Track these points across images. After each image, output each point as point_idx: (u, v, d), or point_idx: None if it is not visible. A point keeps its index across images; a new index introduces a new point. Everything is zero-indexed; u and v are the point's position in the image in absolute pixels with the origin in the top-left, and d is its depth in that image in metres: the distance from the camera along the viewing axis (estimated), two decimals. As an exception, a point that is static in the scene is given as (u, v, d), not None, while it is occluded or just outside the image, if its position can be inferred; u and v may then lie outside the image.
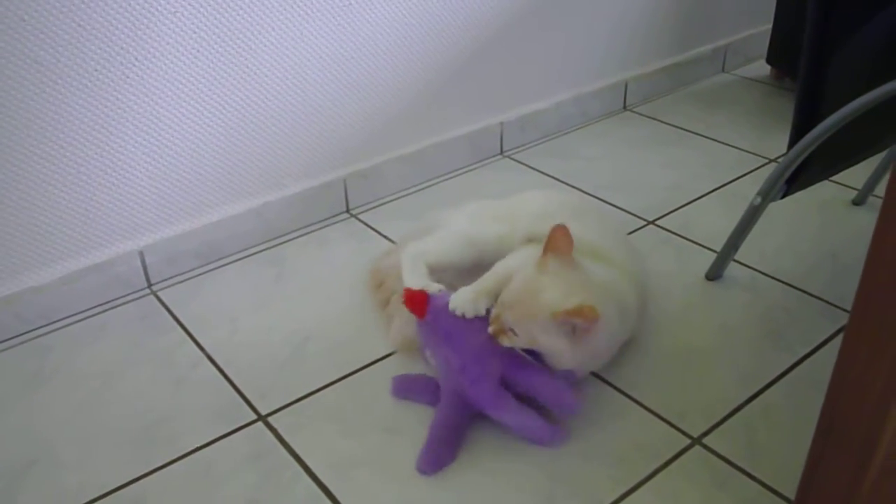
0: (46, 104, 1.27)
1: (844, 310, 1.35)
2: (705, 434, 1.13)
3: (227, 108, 1.47)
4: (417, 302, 1.15)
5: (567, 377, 1.10)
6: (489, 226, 1.30)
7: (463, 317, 1.12)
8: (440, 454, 1.09)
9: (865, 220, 1.61)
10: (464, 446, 1.11)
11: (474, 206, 1.41)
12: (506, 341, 1.08)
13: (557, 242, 1.07)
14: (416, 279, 1.22)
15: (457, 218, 1.39)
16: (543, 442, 1.10)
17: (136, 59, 1.33)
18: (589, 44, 2.00)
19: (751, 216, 1.35)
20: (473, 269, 1.24)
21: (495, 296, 1.12)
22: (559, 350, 1.06)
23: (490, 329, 1.09)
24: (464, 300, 1.13)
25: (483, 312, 1.12)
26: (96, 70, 1.30)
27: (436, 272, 1.25)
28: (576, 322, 1.01)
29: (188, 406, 1.21)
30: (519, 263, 1.16)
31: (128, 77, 1.33)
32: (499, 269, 1.18)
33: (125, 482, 1.08)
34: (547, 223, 1.23)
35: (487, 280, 1.16)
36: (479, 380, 1.09)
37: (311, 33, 1.51)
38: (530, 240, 1.24)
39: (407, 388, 1.20)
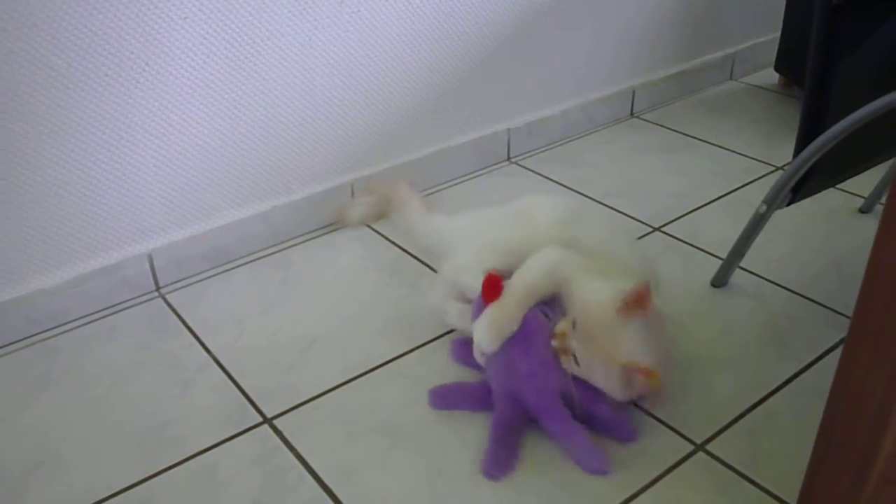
0: (57, 108, 1.29)
1: (849, 318, 1.35)
2: (708, 440, 1.13)
3: (236, 113, 1.48)
4: (496, 290, 1.13)
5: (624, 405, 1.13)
6: (514, 231, 1.31)
7: (522, 332, 1.12)
8: (503, 456, 1.08)
9: (872, 229, 1.60)
10: (468, 450, 1.12)
11: (479, 215, 1.41)
12: (564, 361, 1.10)
13: (643, 299, 1.07)
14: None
15: (463, 225, 1.40)
16: (588, 467, 1.08)
17: (147, 63, 1.34)
18: (597, 51, 2.01)
19: (756, 223, 1.35)
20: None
21: (525, 312, 1.13)
22: (609, 389, 1.09)
23: (553, 343, 1.11)
24: (485, 338, 1.11)
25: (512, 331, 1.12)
26: (107, 75, 1.31)
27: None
28: (640, 380, 1.05)
29: (194, 408, 1.22)
30: (540, 271, 1.17)
31: (138, 82, 1.35)
32: (525, 282, 1.16)
33: (131, 483, 1.09)
34: (564, 228, 1.27)
35: (505, 307, 1.13)
36: (544, 390, 1.09)
37: (320, 40, 1.52)
38: (548, 244, 1.24)
39: (447, 400, 1.18)
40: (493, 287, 1.14)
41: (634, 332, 1.07)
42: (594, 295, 1.11)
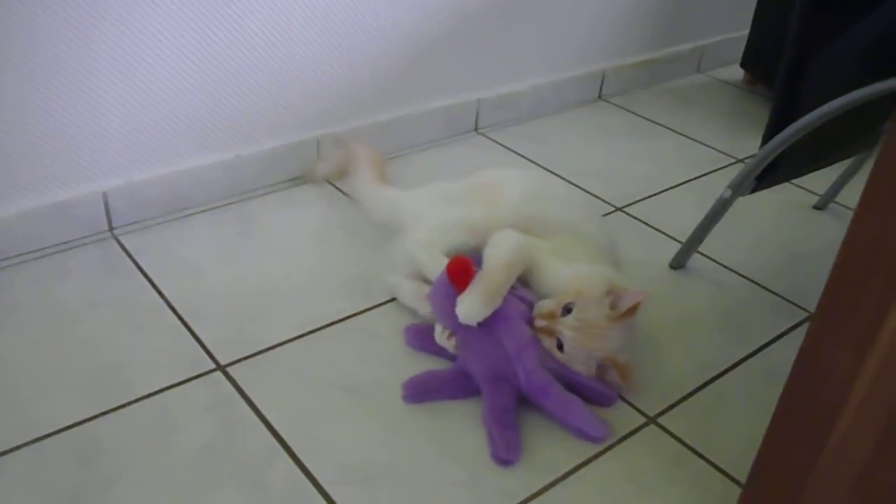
0: (19, 31, 1.23)
1: (799, 306, 1.39)
2: (660, 414, 1.15)
3: (207, 56, 1.44)
4: (466, 275, 1.11)
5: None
6: (478, 207, 1.29)
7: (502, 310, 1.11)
8: (512, 438, 1.06)
9: (825, 224, 1.65)
10: (424, 408, 1.12)
11: (438, 188, 1.40)
12: (545, 341, 1.12)
13: (635, 309, 1.10)
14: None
15: (421, 199, 1.39)
16: (594, 435, 1.09)
17: (118, -6, 1.30)
18: (570, 30, 2.01)
19: (719, 209, 1.37)
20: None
21: (509, 286, 1.13)
22: (580, 371, 1.13)
23: (539, 323, 1.11)
24: (474, 309, 1.09)
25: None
26: (74, 2, 1.26)
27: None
28: (615, 373, 1.12)
29: (146, 351, 1.19)
30: (513, 250, 1.16)
31: (107, 14, 1.30)
32: (504, 259, 1.15)
33: (79, 420, 1.07)
34: (529, 203, 1.28)
35: (492, 280, 1.11)
36: (534, 368, 1.09)
37: (298, -12, 1.49)
38: (513, 224, 1.23)
39: (423, 392, 1.14)
40: (462, 270, 1.11)
41: (620, 332, 1.11)
42: (589, 283, 1.12)
